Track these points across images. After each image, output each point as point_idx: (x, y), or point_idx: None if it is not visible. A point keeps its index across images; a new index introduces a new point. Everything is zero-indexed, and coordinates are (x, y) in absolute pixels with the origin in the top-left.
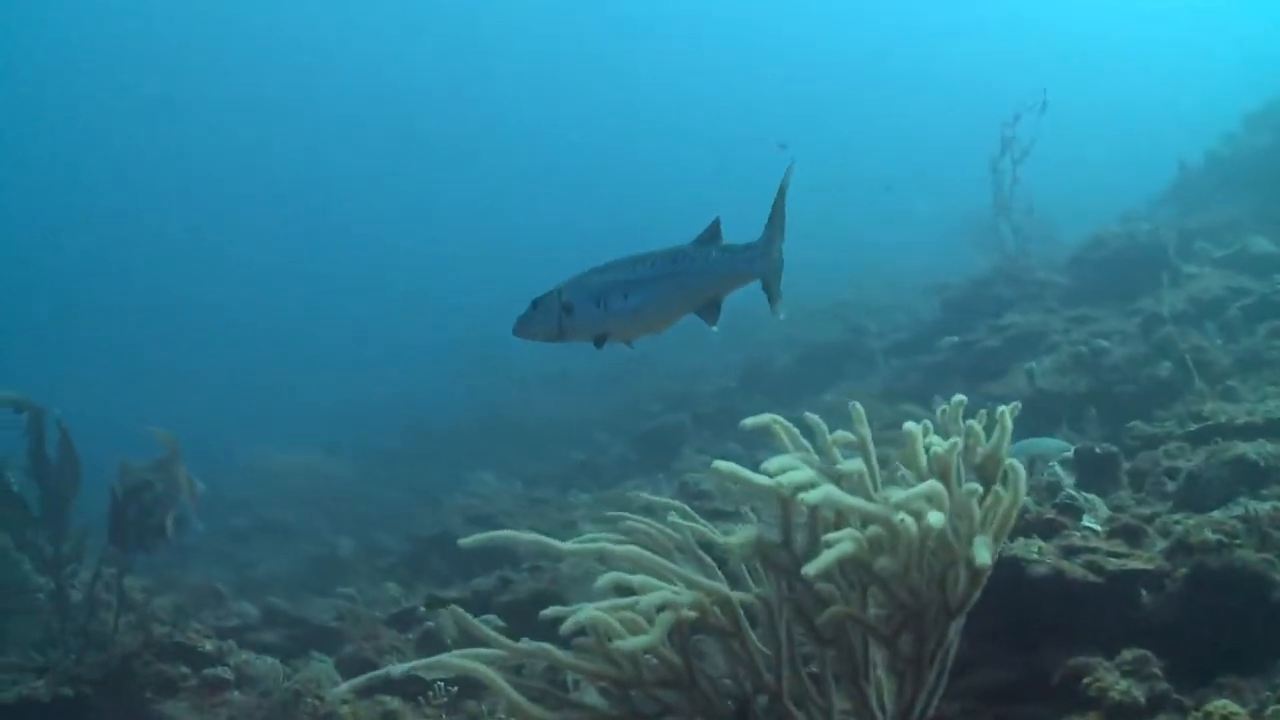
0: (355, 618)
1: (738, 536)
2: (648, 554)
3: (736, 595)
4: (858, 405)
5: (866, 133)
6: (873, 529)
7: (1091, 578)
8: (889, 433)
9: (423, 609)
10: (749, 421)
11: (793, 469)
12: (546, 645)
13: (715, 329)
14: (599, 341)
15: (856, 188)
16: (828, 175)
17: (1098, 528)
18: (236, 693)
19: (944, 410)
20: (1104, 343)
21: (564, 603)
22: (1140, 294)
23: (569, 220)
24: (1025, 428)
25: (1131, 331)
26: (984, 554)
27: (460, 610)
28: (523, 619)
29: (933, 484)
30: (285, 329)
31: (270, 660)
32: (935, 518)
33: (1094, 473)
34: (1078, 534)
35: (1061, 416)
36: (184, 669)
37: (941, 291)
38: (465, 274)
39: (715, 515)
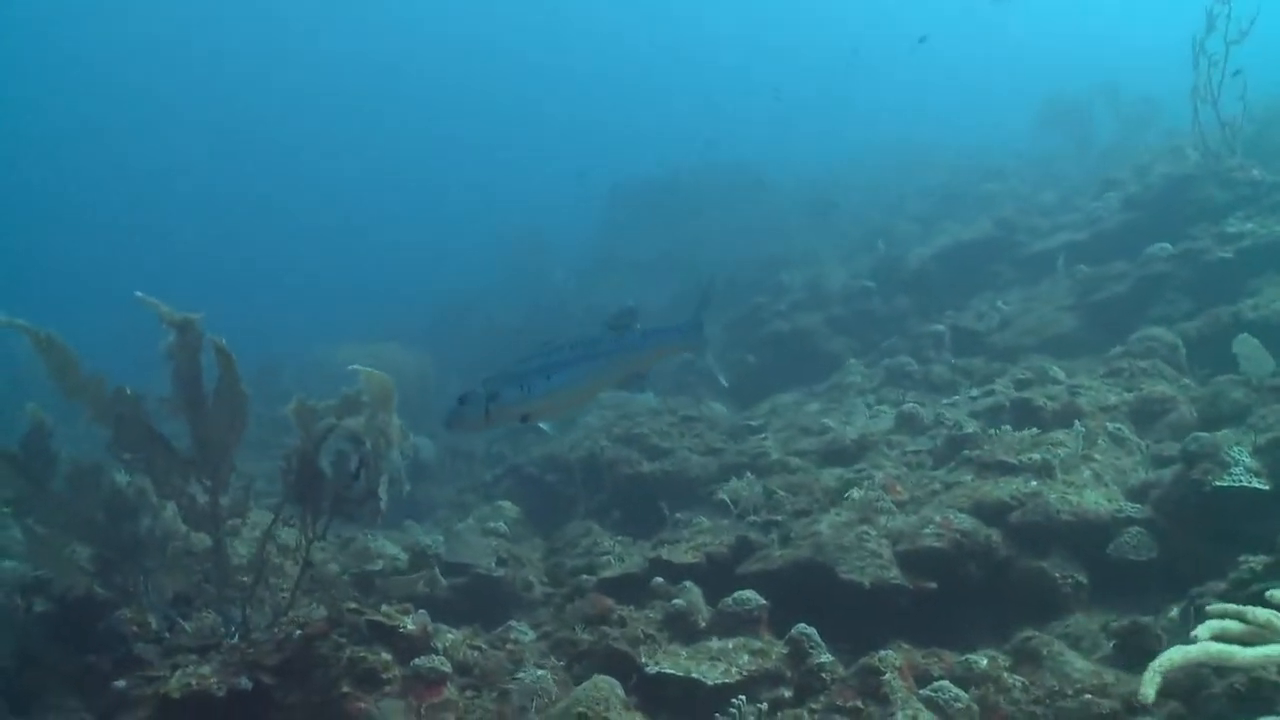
0: (517, 562)
1: None
2: None
3: None
4: None
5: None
6: None
7: None
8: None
9: (660, 580)
10: None
11: None
12: None
13: (642, 395)
14: (524, 419)
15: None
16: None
17: None
18: (450, 687)
19: None
20: None
21: (834, 576)
22: None
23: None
24: None
25: None
26: None
27: None
28: (785, 596)
29: None
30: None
31: (540, 673)
32: None
33: None
34: None
35: None
36: (384, 655)
37: (1117, 187)
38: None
39: (1000, 469)
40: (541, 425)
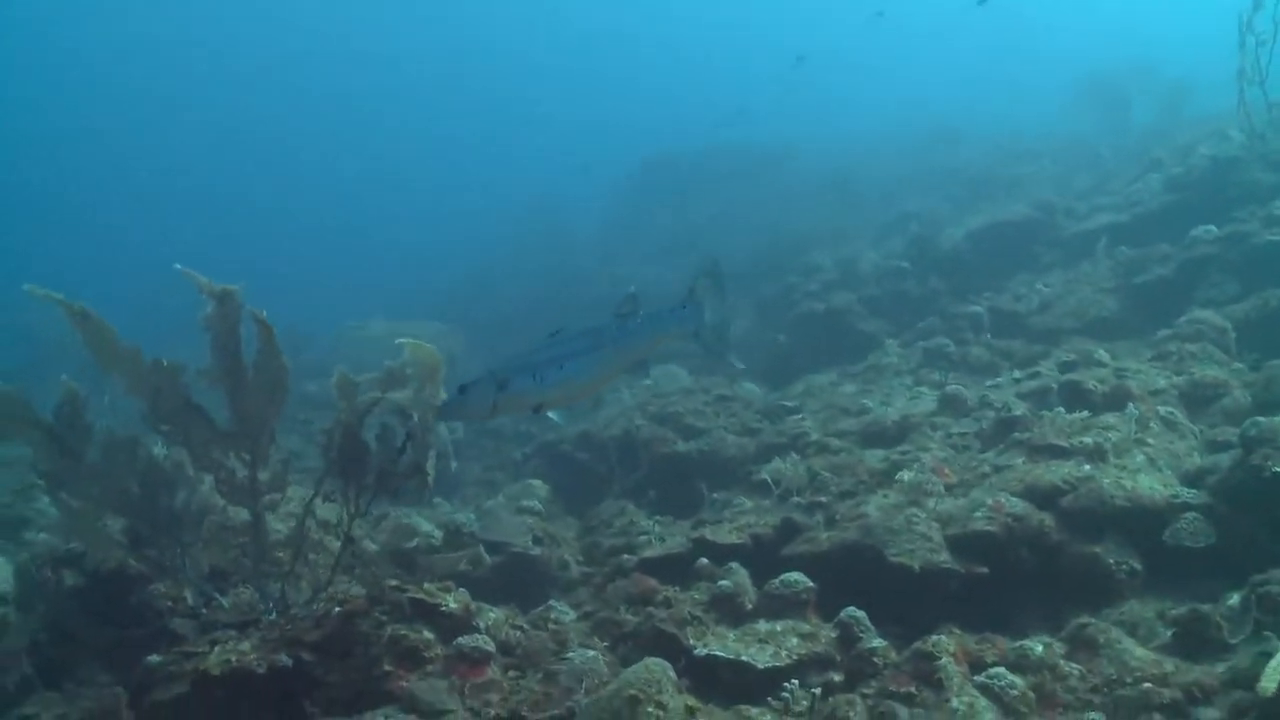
0: (553, 540)
1: None
2: None
3: None
4: None
5: None
6: None
7: None
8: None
9: (705, 561)
10: None
11: None
12: None
13: (649, 381)
14: (537, 410)
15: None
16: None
17: None
18: (494, 667)
19: None
20: None
21: (882, 558)
22: None
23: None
24: None
25: None
26: None
27: None
28: (833, 578)
29: None
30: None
31: (590, 654)
32: None
33: None
34: None
35: None
36: (426, 633)
37: (1159, 169)
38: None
39: (1051, 453)
40: (550, 414)
